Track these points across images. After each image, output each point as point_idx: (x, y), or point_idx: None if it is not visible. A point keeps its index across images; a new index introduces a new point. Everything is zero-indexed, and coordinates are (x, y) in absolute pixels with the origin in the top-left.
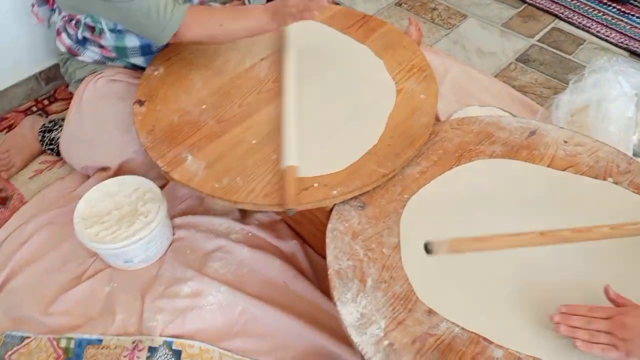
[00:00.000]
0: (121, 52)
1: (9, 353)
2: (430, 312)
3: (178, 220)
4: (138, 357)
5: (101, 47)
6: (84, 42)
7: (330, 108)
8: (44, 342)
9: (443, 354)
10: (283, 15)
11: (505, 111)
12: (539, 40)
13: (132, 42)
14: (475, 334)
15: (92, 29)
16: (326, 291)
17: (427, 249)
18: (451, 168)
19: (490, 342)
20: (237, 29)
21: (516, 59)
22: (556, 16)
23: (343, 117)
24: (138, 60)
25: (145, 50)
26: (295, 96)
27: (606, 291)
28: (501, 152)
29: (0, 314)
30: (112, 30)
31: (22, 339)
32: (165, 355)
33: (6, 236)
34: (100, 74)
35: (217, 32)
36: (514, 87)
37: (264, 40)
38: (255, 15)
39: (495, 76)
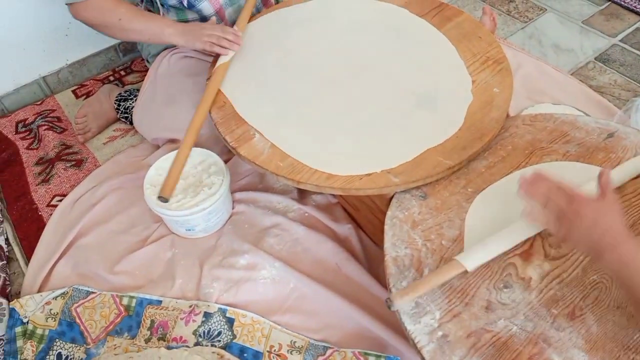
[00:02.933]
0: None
1: (75, 305)
2: (488, 308)
3: (238, 195)
4: (194, 320)
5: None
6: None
7: (401, 93)
8: (107, 298)
9: (499, 351)
10: (194, 37)
11: (580, 111)
12: (621, 40)
13: (192, 15)
14: (535, 334)
15: (155, 5)
16: (377, 276)
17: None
18: (519, 165)
19: (549, 345)
20: (134, 29)
21: (595, 58)
22: None
23: (414, 104)
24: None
25: (206, 20)
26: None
27: (601, 174)
28: (576, 152)
29: (69, 269)
30: (173, 6)
31: (88, 293)
32: (219, 322)
33: (79, 196)
34: (173, 50)
35: (113, 24)
36: (590, 87)
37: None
38: (160, 24)
39: (572, 74)
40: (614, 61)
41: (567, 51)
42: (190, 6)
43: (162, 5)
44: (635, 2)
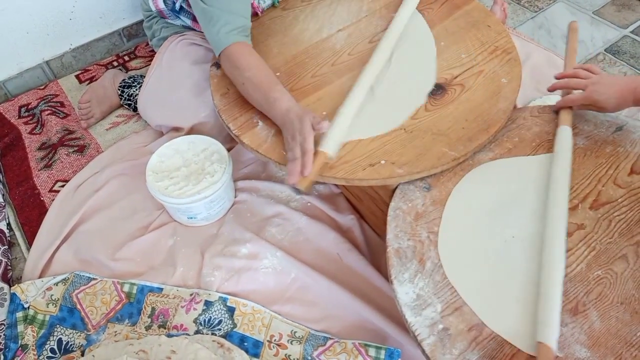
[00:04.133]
0: None
1: (76, 291)
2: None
3: (241, 184)
4: (195, 309)
5: (194, 18)
6: (179, 11)
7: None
8: (108, 285)
9: (500, 344)
10: (289, 130)
11: None
12: (632, 32)
13: None
14: None
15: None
16: (379, 268)
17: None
18: (527, 157)
19: None
20: (251, 96)
21: (605, 50)
22: None
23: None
24: None
25: None
26: (368, 82)
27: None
28: (584, 145)
29: (70, 255)
30: None
31: (89, 279)
32: (220, 310)
33: (81, 182)
34: (182, 35)
35: (238, 84)
36: None
37: (344, 11)
38: (275, 105)
39: None
40: (625, 53)
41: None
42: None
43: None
44: None
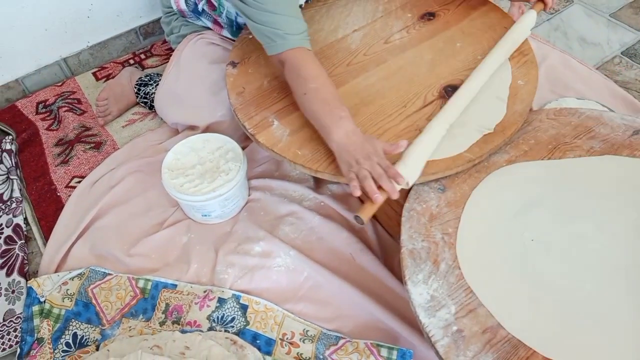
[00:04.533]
0: (235, 29)
1: (92, 286)
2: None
3: (255, 182)
4: (208, 305)
5: (215, 22)
6: (200, 13)
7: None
8: (123, 281)
9: (515, 347)
10: (346, 162)
11: (604, 106)
12: None
13: None
14: None
15: (213, 7)
16: (391, 269)
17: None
18: (541, 160)
19: None
20: (310, 109)
21: (622, 53)
22: None
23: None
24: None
25: None
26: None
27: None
28: (600, 149)
29: (86, 250)
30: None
31: (104, 275)
32: (233, 308)
33: (97, 178)
34: (201, 34)
35: (298, 94)
36: (616, 82)
37: (359, 12)
38: (333, 122)
39: (597, 69)
40: None
41: (593, 45)
42: None
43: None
44: None
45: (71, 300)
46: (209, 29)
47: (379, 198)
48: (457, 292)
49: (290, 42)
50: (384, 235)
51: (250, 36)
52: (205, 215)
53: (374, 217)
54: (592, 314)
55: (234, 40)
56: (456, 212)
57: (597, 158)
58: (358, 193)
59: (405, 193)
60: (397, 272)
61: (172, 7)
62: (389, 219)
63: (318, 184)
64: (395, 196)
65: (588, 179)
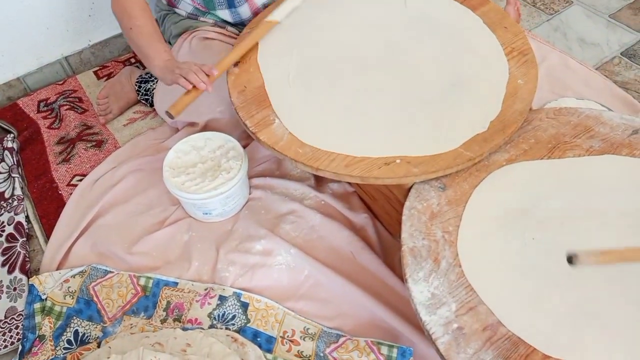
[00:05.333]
0: (209, 3)
1: (93, 284)
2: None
3: (255, 181)
4: (209, 303)
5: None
6: None
7: (431, 82)
8: (124, 278)
9: (514, 345)
10: (169, 71)
11: (604, 106)
12: None
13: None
14: None
15: None
16: (392, 267)
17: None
18: (541, 159)
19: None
20: (136, 44)
21: (621, 53)
22: None
23: (446, 92)
24: (225, 14)
25: (230, 2)
26: None
27: None
28: (599, 148)
29: (87, 248)
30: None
31: (106, 272)
32: (234, 306)
33: (99, 176)
34: (194, 31)
35: (125, 30)
36: (615, 82)
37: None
38: (154, 54)
39: (596, 69)
40: None
41: (592, 45)
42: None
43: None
44: None
45: (72, 298)
46: (195, 18)
47: (203, 85)
48: (458, 290)
49: None
50: (384, 234)
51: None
52: (207, 214)
53: (375, 216)
54: (592, 313)
55: (223, 27)
56: (456, 210)
57: (597, 157)
58: (189, 86)
59: (406, 192)
60: (397, 271)
61: (163, 2)
62: (389, 217)
63: (319, 183)
64: (209, 89)
65: (589, 179)
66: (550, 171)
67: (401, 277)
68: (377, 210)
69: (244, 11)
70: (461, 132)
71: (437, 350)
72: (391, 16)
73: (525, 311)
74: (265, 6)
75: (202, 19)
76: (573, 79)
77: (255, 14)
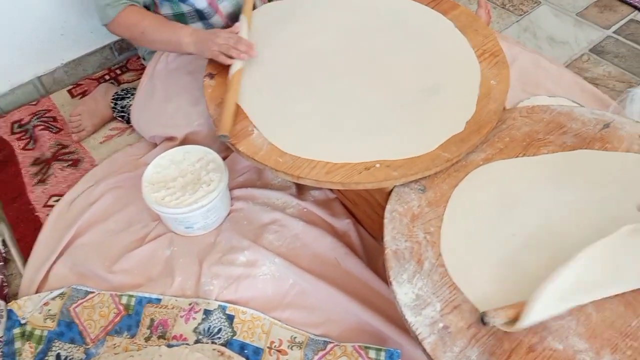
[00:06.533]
0: (180, 18)
1: (74, 305)
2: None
3: (237, 192)
4: (194, 318)
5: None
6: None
7: (406, 87)
8: (106, 298)
9: (499, 340)
10: (205, 46)
11: (575, 103)
12: (615, 32)
13: (187, 7)
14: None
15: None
16: (376, 271)
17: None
18: (516, 157)
19: (550, 333)
20: (157, 40)
21: (589, 50)
22: (635, 7)
23: (422, 95)
24: (198, 27)
25: (201, 15)
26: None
27: None
28: (572, 143)
29: (67, 269)
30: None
31: (86, 293)
32: (219, 319)
33: (76, 196)
34: None
35: (139, 38)
36: (585, 79)
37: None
38: (179, 34)
39: (566, 67)
40: (608, 53)
41: (561, 43)
42: (183, 0)
43: None
44: None
45: (53, 321)
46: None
47: (246, 56)
48: (442, 290)
49: (119, 7)
50: (367, 239)
51: None
52: (188, 228)
53: (357, 221)
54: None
55: None
56: (437, 211)
57: (571, 153)
58: (229, 61)
59: (387, 195)
60: (382, 275)
61: None
62: (371, 222)
63: (300, 191)
64: (253, 53)
65: (564, 174)
66: (527, 168)
67: (386, 280)
68: (359, 215)
69: (217, 22)
70: (438, 133)
71: (424, 350)
72: (364, 22)
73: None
74: (233, 16)
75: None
76: (544, 77)
77: (228, 26)
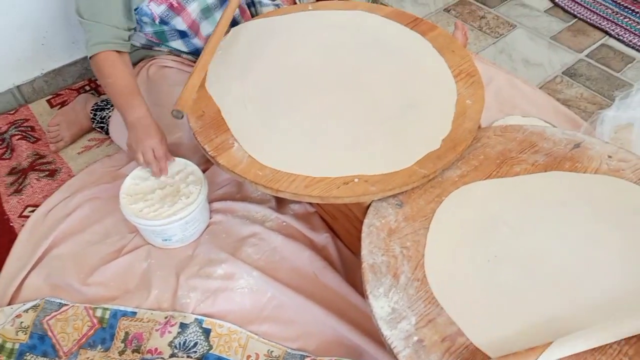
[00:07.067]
0: (161, 36)
1: (47, 318)
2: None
3: (216, 205)
4: (170, 332)
5: (145, 32)
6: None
7: (385, 102)
8: (80, 311)
9: (472, 353)
10: (134, 152)
11: (547, 123)
12: (587, 56)
13: (167, 27)
14: None
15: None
16: (354, 285)
17: None
18: (490, 174)
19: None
20: (112, 100)
21: (562, 72)
22: (606, 33)
23: (400, 113)
24: (178, 44)
25: (182, 34)
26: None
27: None
28: (544, 162)
29: (41, 280)
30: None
31: (60, 305)
32: (196, 333)
33: (52, 206)
34: (151, 60)
35: (104, 87)
36: (558, 100)
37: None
38: (128, 113)
39: (540, 88)
40: (580, 75)
41: (536, 65)
42: (164, 23)
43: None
44: (600, 19)
45: (25, 334)
46: (149, 48)
47: (158, 173)
48: (417, 304)
49: (96, 49)
50: (345, 252)
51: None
52: (166, 240)
53: (336, 235)
54: (553, 326)
55: (179, 55)
56: (413, 225)
57: (544, 174)
58: (145, 166)
59: (365, 209)
60: (359, 288)
61: None
62: (349, 236)
63: (280, 204)
64: (162, 174)
65: (542, 195)
66: (505, 189)
67: (363, 294)
68: (338, 229)
69: (197, 42)
70: (415, 150)
71: None
72: (344, 41)
73: (486, 322)
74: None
75: (156, 48)
76: (519, 98)
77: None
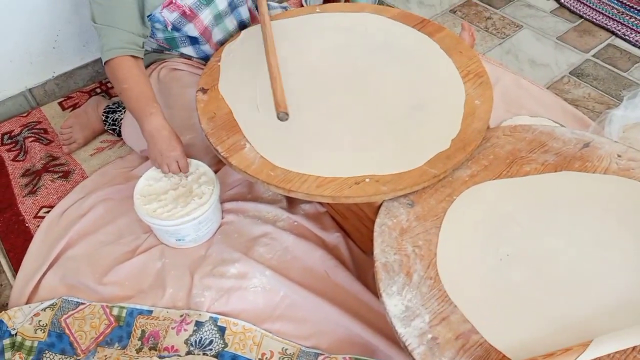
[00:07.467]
0: (171, 42)
1: (64, 316)
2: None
3: (228, 205)
4: (185, 330)
5: (156, 38)
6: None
7: (394, 103)
8: (97, 309)
9: (487, 351)
10: (156, 159)
11: (556, 123)
12: (593, 56)
13: (179, 34)
14: None
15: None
16: (365, 284)
17: None
18: (500, 174)
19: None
20: (128, 106)
21: (569, 73)
22: (613, 33)
23: (409, 113)
24: (188, 50)
25: (193, 40)
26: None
27: None
28: (553, 162)
29: (57, 280)
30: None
31: (77, 304)
32: (211, 330)
33: (67, 207)
34: (162, 63)
35: (119, 92)
36: (565, 100)
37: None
38: (145, 119)
39: (547, 88)
40: (587, 75)
41: (542, 66)
42: (176, 30)
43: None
44: (606, 20)
45: (44, 332)
46: (160, 52)
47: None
48: (430, 302)
49: (111, 54)
50: (357, 252)
51: (219, 63)
52: (180, 240)
53: (347, 234)
54: (565, 325)
55: (190, 59)
56: (425, 225)
57: (557, 174)
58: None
59: (376, 209)
60: (371, 287)
61: None
62: (361, 235)
63: (291, 204)
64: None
65: (552, 195)
66: (517, 189)
67: (375, 292)
68: (349, 229)
69: (207, 49)
70: (425, 150)
71: None
72: (353, 43)
73: (499, 320)
74: (223, 42)
75: (167, 52)
76: (526, 97)
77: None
